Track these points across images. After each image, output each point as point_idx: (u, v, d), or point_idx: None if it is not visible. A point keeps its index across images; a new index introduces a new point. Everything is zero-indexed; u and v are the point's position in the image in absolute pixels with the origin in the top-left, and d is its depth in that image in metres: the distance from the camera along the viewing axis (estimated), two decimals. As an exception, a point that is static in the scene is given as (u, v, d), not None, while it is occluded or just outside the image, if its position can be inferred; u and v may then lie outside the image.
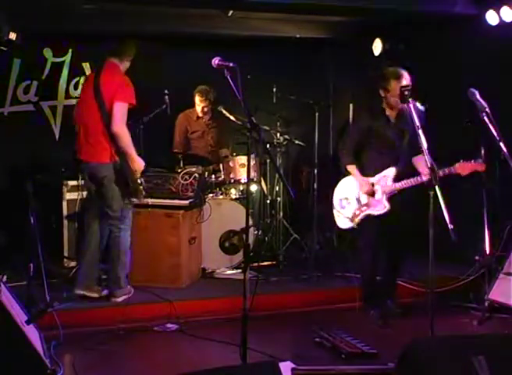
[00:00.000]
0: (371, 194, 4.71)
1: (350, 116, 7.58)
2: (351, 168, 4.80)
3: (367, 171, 4.76)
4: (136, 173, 4.85)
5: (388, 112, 4.71)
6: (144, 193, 4.99)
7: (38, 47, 6.57)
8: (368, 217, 4.75)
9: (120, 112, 4.69)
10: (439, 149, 4.34)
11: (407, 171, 4.65)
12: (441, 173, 4.28)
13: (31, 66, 6.56)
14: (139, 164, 4.85)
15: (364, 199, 4.75)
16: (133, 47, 5.03)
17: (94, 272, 5.04)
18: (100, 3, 5.81)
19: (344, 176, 4.95)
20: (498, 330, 4.61)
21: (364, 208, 4.76)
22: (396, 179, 4.63)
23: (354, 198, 4.83)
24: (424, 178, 4.39)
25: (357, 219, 4.79)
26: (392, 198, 4.66)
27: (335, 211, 4.98)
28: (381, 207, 4.67)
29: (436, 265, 3.82)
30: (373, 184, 4.71)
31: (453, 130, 5.73)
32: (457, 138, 5.54)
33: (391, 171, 4.65)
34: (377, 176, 4.71)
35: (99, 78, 4.81)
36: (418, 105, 4.52)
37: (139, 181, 4.88)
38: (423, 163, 4.43)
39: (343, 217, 4.90)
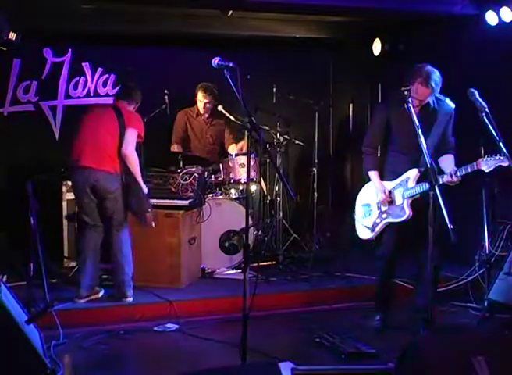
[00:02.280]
0: (390, 201, 4.44)
1: (350, 116, 7.59)
2: (372, 175, 4.52)
3: (388, 173, 4.50)
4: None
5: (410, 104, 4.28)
6: (149, 216, 5.11)
7: (38, 47, 6.58)
8: (388, 225, 4.47)
9: (132, 136, 4.95)
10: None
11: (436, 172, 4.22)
12: (463, 171, 4.08)
13: (31, 66, 6.56)
14: (143, 189, 5.05)
15: (385, 206, 4.47)
16: (140, 95, 5.24)
17: (97, 275, 5.06)
18: (99, 3, 5.81)
19: (368, 180, 4.66)
20: (498, 330, 4.61)
21: (385, 215, 4.47)
22: (420, 180, 4.33)
23: (376, 206, 4.54)
24: (445, 179, 4.12)
25: (377, 229, 4.51)
26: (415, 202, 4.35)
27: (356, 220, 4.71)
28: (402, 213, 4.37)
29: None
30: (390, 191, 4.45)
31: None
32: (457, 138, 5.54)
33: (412, 173, 4.35)
34: (397, 180, 4.43)
35: (118, 108, 5.03)
36: (449, 102, 4.42)
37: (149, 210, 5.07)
38: (447, 163, 4.33)
39: (364, 227, 4.63)
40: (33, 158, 6.42)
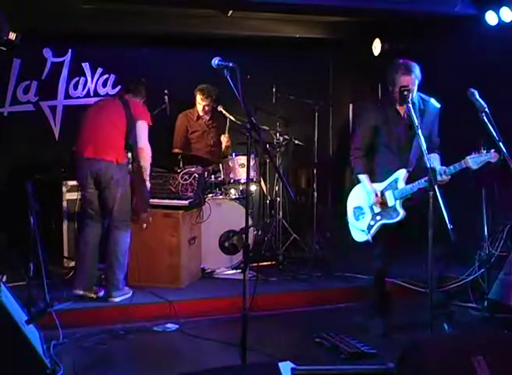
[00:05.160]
0: (383, 203, 4.42)
1: (350, 116, 7.59)
2: (362, 178, 4.51)
3: (378, 174, 4.49)
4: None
5: (398, 106, 4.41)
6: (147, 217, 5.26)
7: (38, 47, 6.58)
8: (384, 226, 4.45)
9: (144, 130, 5.06)
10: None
11: (420, 171, 4.26)
12: (452, 169, 4.10)
13: (31, 66, 6.56)
14: (147, 185, 5.16)
15: (378, 208, 4.45)
16: (146, 91, 5.32)
17: (94, 273, 5.07)
18: (99, 3, 5.81)
19: (357, 182, 4.64)
20: (498, 330, 4.61)
21: (379, 217, 4.45)
22: (409, 181, 4.31)
23: (368, 208, 4.52)
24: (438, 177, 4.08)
25: (372, 231, 4.48)
26: (406, 202, 4.34)
27: (349, 223, 4.68)
28: (395, 214, 4.35)
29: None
30: (382, 193, 4.43)
31: (451, 130, 5.73)
32: (457, 138, 5.54)
33: (401, 173, 4.35)
34: (386, 182, 4.42)
35: (125, 99, 5.11)
36: (434, 102, 4.43)
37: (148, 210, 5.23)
38: (434, 163, 4.28)
39: (359, 230, 4.59)
40: (33, 158, 6.42)
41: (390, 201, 4.40)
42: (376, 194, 4.43)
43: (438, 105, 4.46)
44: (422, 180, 4.20)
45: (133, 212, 5.11)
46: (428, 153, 4.29)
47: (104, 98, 5.28)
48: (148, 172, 5.13)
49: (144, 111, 5.15)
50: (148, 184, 5.17)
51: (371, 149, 4.51)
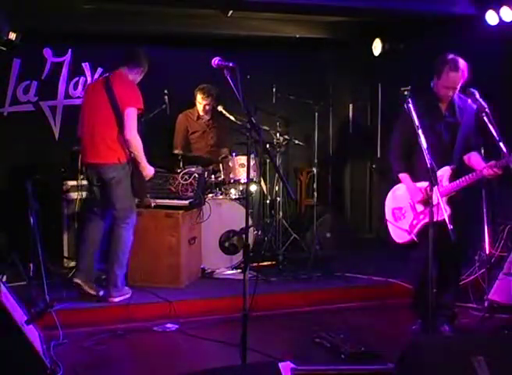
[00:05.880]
0: (427, 202, 4.24)
1: (350, 116, 7.60)
2: (403, 177, 4.41)
3: (420, 173, 4.30)
4: (146, 177, 5.06)
5: (440, 104, 4.34)
6: (148, 199, 5.33)
7: (38, 47, 6.58)
8: (427, 226, 4.23)
9: (131, 118, 4.84)
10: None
11: (462, 169, 4.25)
12: (505, 162, 3.99)
13: (31, 66, 6.56)
14: (148, 171, 5.05)
15: (421, 207, 4.35)
16: (145, 60, 5.09)
17: (94, 264, 5.07)
18: (99, 3, 5.81)
19: (394, 183, 4.53)
20: (498, 330, 4.61)
21: (422, 216, 4.33)
22: (453, 178, 4.24)
23: (409, 208, 4.42)
24: (485, 172, 4.07)
25: (415, 230, 4.37)
26: (451, 199, 4.25)
27: (389, 224, 4.54)
28: (441, 212, 4.10)
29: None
30: (427, 190, 4.23)
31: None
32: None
33: (446, 170, 4.25)
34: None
35: (110, 84, 4.92)
36: (472, 103, 4.29)
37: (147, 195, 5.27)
38: (476, 159, 4.30)
39: (400, 230, 4.46)
40: (33, 159, 6.42)
41: (435, 200, 4.21)
42: (421, 193, 4.34)
43: (474, 106, 4.31)
44: (468, 176, 4.17)
45: (135, 195, 5.10)
46: (467, 152, 4.35)
47: (91, 87, 5.20)
48: (143, 160, 4.97)
49: (132, 94, 4.88)
50: (151, 168, 5.06)
51: (411, 147, 4.36)
